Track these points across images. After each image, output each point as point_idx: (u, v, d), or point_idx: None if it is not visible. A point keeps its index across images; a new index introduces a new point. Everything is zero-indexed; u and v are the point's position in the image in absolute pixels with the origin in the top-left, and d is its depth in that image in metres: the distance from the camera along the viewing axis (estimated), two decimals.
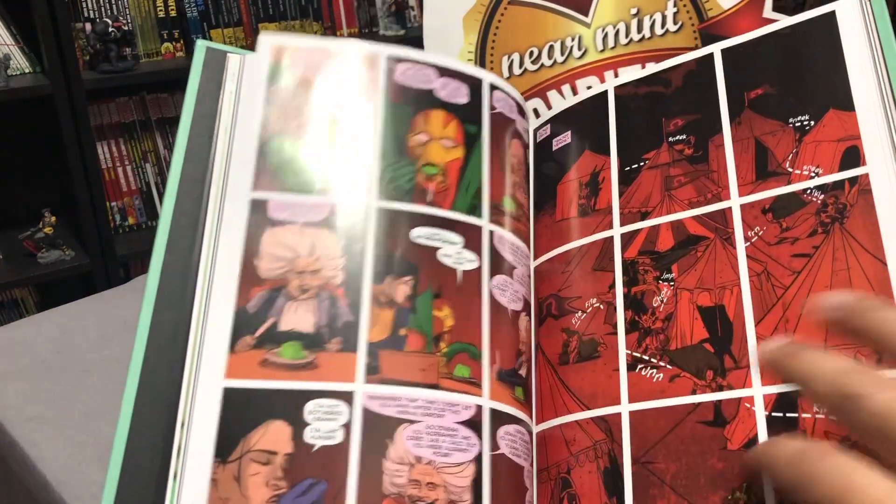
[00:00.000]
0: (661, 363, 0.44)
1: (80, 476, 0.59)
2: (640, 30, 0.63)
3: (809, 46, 0.47)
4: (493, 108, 0.50)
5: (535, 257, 0.51)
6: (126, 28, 1.93)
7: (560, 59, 0.64)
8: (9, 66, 1.86)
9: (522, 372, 0.45)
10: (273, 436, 0.38)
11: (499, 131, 0.50)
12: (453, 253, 0.45)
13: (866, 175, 0.43)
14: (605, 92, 0.53)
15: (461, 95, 0.49)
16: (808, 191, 0.44)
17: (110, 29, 1.91)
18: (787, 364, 0.38)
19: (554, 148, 0.54)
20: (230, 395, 0.39)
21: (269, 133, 0.45)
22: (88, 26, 1.92)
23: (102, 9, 1.97)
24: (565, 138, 0.53)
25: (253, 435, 0.38)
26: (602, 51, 0.63)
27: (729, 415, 0.42)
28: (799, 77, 0.47)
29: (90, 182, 1.93)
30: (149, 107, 2.02)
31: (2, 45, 1.91)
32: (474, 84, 0.50)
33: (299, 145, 0.45)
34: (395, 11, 2.00)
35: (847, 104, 0.45)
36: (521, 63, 0.65)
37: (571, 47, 0.64)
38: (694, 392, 0.43)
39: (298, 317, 0.41)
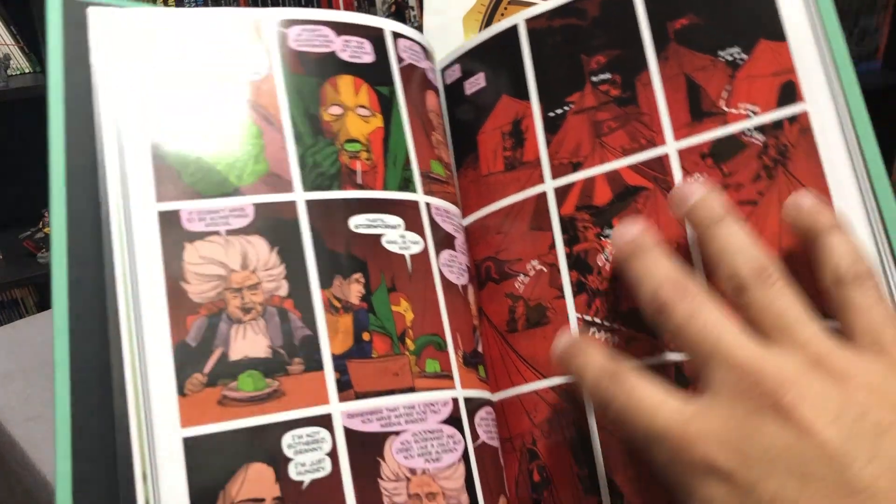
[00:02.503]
0: (615, 325, 0.43)
1: None
2: None
3: None
4: (401, 59, 0.47)
5: (464, 215, 0.47)
6: None
7: None
8: (9, 66, 1.90)
9: (480, 348, 0.43)
10: (255, 481, 0.35)
11: (412, 86, 0.48)
12: (397, 238, 0.43)
13: (805, 113, 0.45)
14: (515, 27, 0.49)
15: (366, 53, 0.46)
16: (748, 131, 0.45)
17: None
18: (628, 263, 0.41)
19: (467, 92, 0.50)
20: (193, 446, 0.36)
21: (159, 129, 0.40)
22: None
23: None
24: (479, 80, 0.50)
25: (232, 485, 0.35)
26: None
27: (691, 374, 0.41)
28: (724, 4, 0.47)
29: None
30: None
31: (2, 45, 1.93)
32: (376, 37, 0.47)
33: (198, 139, 0.41)
34: (394, 11, 1.89)
35: (778, 34, 0.46)
36: None
37: None
38: (653, 354, 0.42)
39: (249, 341, 0.38)
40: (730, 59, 0.46)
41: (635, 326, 0.44)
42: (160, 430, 0.35)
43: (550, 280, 0.47)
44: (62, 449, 0.34)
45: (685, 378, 0.43)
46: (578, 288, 0.46)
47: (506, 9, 0.64)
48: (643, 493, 0.41)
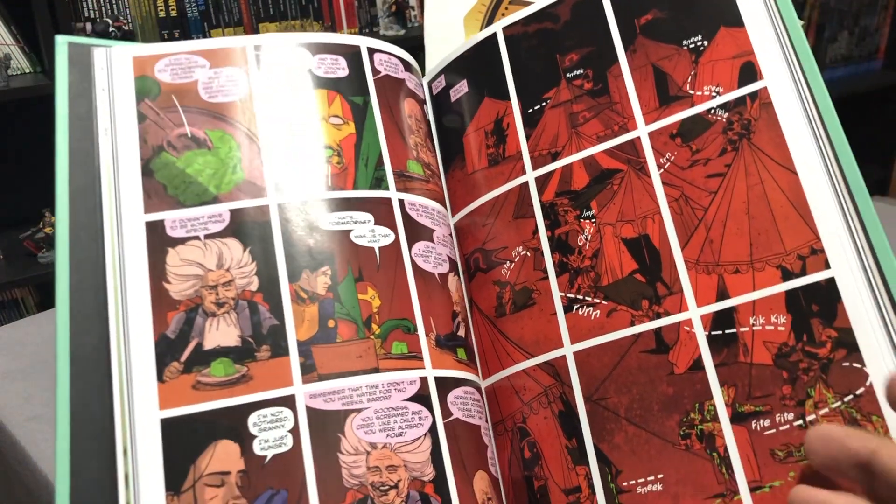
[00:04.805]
0: (596, 300, 0.42)
1: None
2: None
3: None
4: (376, 72, 0.47)
5: (453, 214, 0.47)
6: (127, 28, 1.81)
7: None
8: (9, 66, 1.74)
9: (461, 332, 0.42)
10: (222, 456, 0.36)
11: (388, 95, 0.48)
12: (366, 232, 0.42)
13: (765, 89, 0.43)
14: (494, 34, 0.49)
15: (340, 69, 0.46)
16: (712, 110, 0.44)
17: (111, 29, 1.79)
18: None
19: (452, 99, 0.50)
20: (169, 426, 0.37)
21: (149, 150, 0.42)
22: (89, 26, 1.79)
23: (103, 9, 1.82)
24: (462, 87, 0.50)
25: (201, 460, 0.36)
26: None
27: (670, 340, 0.40)
28: None
29: None
30: None
31: (2, 45, 1.78)
32: (352, 53, 0.47)
33: (183, 157, 0.42)
34: (395, 11, 1.90)
35: (736, 20, 0.44)
36: None
37: None
38: (633, 323, 0.41)
39: (221, 332, 0.39)
40: (693, 46, 0.45)
41: (616, 299, 0.43)
42: (140, 412, 0.36)
43: (535, 263, 0.46)
44: (62, 429, 0.35)
45: (665, 344, 0.41)
46: (561, 268, 0.45)
47: (506, 8, 0.62)
48: (631, 456, 0.39)
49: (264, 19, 1.89)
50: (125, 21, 1.81)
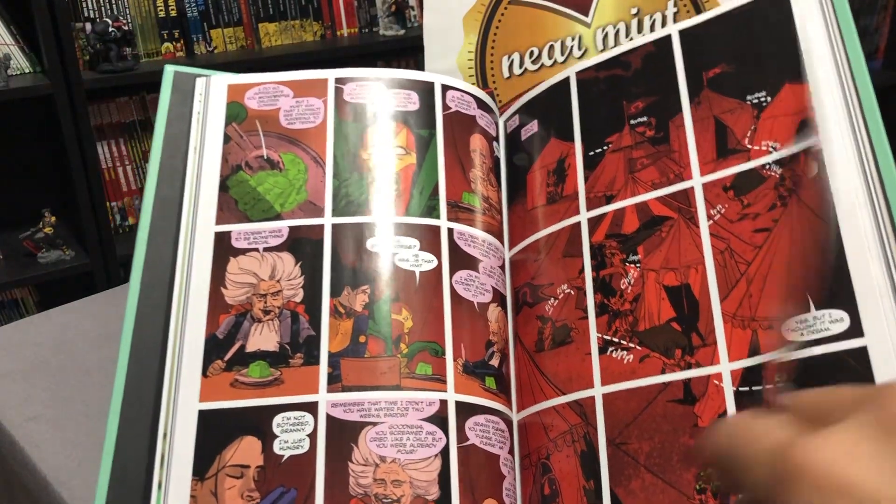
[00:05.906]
0: (631, 344, 0.42)
1: (80, 476, 0.56)
2: (640, 30, 0.58)
3: (763, 23, 0.45)
4: (446, 108, 0.48)
5: (511, 247, 0.47)
6: (126, 28, 1.79)
7: (560, 58, 0.60)
8: (9, 66, 1.71)
9: (494, 362, 0.42)
10: (245, 451, 0.39)
11: (455, 129, 0.49)
12: (410, 257, 0.44)
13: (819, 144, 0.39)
14: (567, 78, 0.49)
15: (411, 103, 0.48)
16: (767, 166, 0.42)
17: (110, 29, 1.78)
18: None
19: (523, 138, 0.51)
20: (205, 417, 0.39)
21: (228, 168, 0.46)
22: (88, 26, 1.80)
23: (102, 9, 1.83)
24: (532, 127, 0.51)
25: (227, 451, 0.39)
26: (602, 50, 0.59)
27: (698, 392, 0.39)
28: (754, 54, 0.45)
29: (90, 182, 1.78)
30: (149, 107, 1.91)
31: (2, 45, 1.76)
32: (425, 89, 0.49)
33: (256, 176, 0.46)
34: (395, 11, 1.89)
35: (801, 77, 0.43)
36: (522, 63, 0.61)
37: (572, 47, 0.60)
38: (663, 371, 0.41)
39: (263, 337, 0.41)
40: (756, 101, 0.44)
41: (650, 345, 0.42)
42: (183, 401, 0.39)
43: (577, 302, 0.45)
44: (114, 407, 0.39)
45: (693, 395, 0.39)
46: (601, 309, 0.44)
47: (506, 9, 0.61)
48: None
49: (264, 19, 1.86)
50: (125, 21, 1.79)
